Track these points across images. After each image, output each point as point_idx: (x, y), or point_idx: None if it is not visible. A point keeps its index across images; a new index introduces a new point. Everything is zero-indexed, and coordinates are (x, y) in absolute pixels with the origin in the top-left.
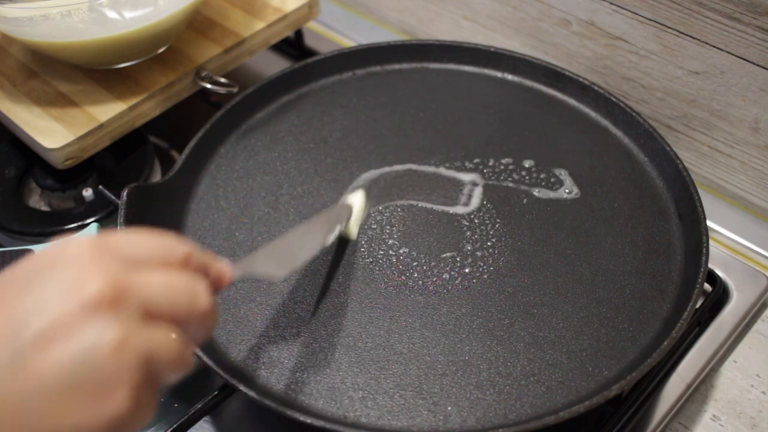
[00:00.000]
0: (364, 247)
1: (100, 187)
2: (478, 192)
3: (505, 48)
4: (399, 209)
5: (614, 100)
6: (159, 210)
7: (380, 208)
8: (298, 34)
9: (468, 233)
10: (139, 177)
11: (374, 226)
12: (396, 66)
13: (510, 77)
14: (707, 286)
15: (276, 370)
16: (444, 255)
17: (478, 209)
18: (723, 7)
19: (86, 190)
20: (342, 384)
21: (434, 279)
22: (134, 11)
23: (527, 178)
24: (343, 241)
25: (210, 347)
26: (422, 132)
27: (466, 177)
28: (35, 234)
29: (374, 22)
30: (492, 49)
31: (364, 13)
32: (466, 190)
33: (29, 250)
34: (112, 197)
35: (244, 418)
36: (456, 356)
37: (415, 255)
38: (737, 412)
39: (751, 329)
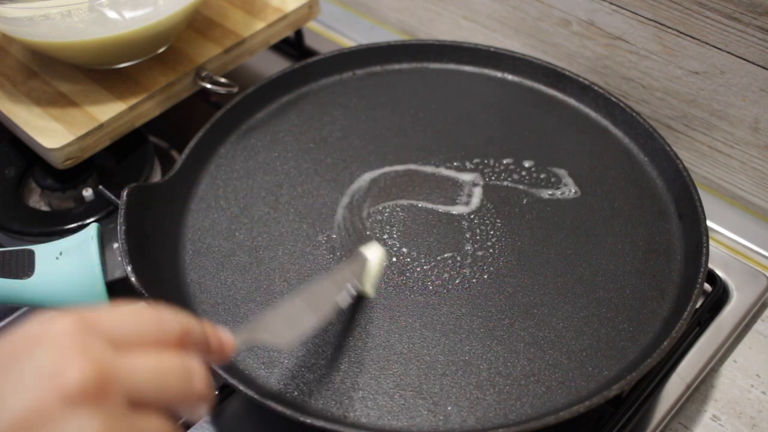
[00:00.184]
0: None
1: (100, 187)
2: (478, 192)
3: (505, 48)
4: (399, 209)
5: (614, 100)
6: (159, 210)
7: (380, 207)
8: (298, 34)
9: (468, 233)
10: (139, 177)
11: (374, 226)
12: (396, 66)
13: (510, 77)
14: (707, 286)
15: (276, 370)
16: (444, 255)
17: (478, 209)
18: (723, 7)
19: (86, 190)
20: (342, 384)
21: (434, 279)
22: (134, 11)
23: (527, 178)
24: (359, 298)
25: None
26: (422, 132)
27: (467, 177)
28: (35, 234)
29: (374, 22)
30: (492, 49)
31: (364, 13)
32: (466, 190)
33: (29, 250)
34: (112, 197)
35: (244, 418)
36: (456, 356)
37: (414, 255)
38: (737, 412)
39: (751, 329)
